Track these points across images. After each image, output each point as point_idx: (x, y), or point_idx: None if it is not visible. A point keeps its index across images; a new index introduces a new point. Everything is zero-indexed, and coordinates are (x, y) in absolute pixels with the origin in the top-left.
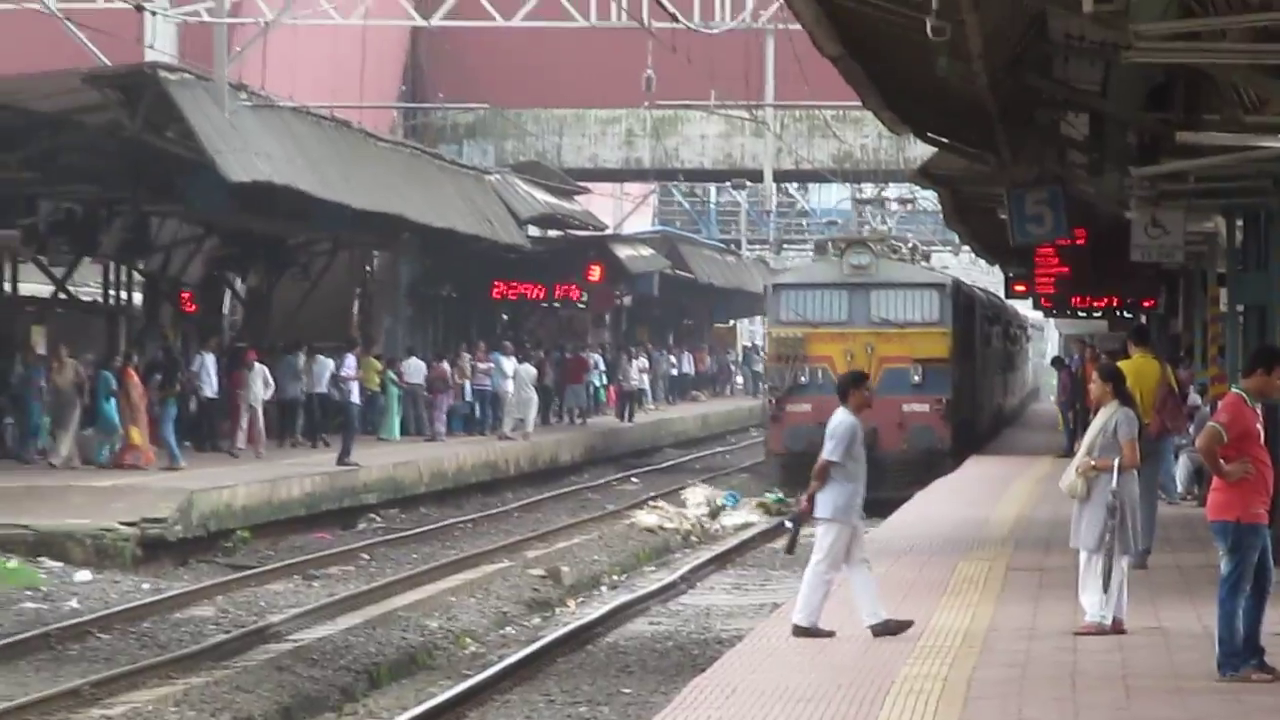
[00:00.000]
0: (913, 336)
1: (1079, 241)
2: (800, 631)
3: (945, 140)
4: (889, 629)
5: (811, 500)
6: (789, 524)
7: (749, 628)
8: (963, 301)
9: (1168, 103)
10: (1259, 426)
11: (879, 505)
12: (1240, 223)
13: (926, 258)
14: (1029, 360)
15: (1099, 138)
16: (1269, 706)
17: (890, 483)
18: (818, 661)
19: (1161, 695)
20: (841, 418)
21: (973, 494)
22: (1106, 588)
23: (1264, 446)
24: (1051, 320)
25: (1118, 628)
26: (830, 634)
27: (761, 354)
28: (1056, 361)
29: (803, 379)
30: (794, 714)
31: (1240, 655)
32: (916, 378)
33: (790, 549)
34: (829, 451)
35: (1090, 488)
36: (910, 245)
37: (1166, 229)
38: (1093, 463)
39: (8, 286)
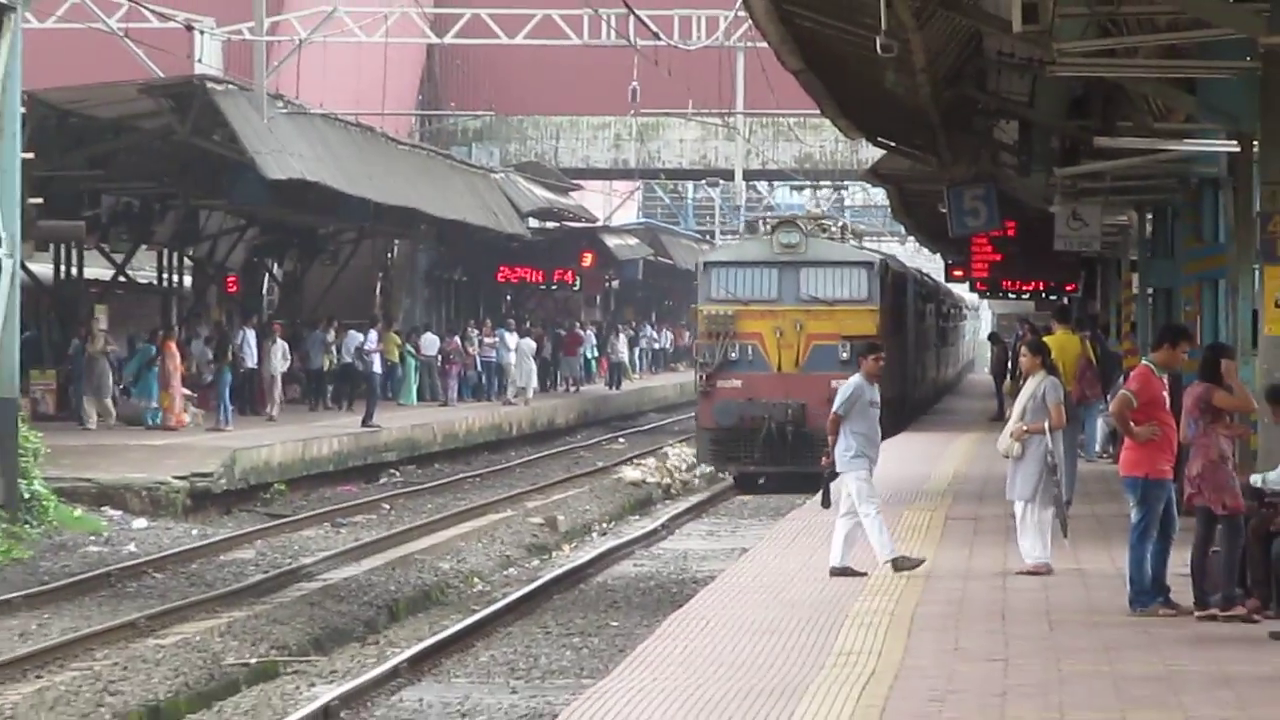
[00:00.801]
0: (841, 314)
1: (1009, 232)
2: (896, 566)
3: (893, 144)
4: (846, 573)
5: (831, 456)
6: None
7: (721, 569)
8: (892, 280)
9: (1087, 111)
10: (1165, 394)
11: (811, 480)
12: (1150, 216)
13: (858, 237)
14: (965, 336)
15: (1027, 142)
16: (1173, 637)
17: (818, 457)
18: (780, 598)
19: (1080, 628)
20: (851, 380)
21: (916, 454)
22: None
23: (1169, 412)
24: (986, 301)
25: (1034, 568)
26: (862, 573)
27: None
28: (991, 337)
29: (733, 355)
30: (761, 644)
31: (1149, 593)
32: (844, 354)
33: (825, 503)
34: (835, 407)
35: (1024, 448)
36: (840, 224)
37: (1085, 221)
38: (1025, 427)
39: (74, 270)
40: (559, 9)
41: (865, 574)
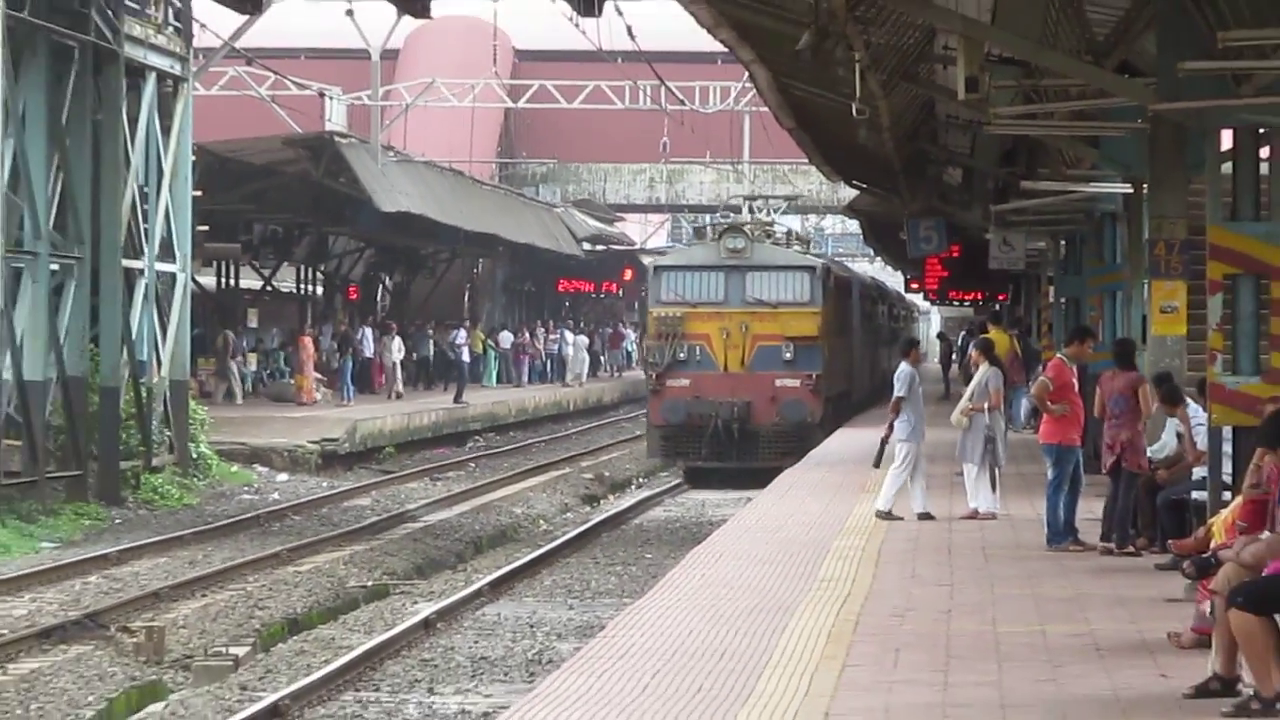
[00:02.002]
0: (785, 316)
1: (954, 254)
2: (881, 515)
3: (864, 185)
4: (889, 516)
5: (891, 427)
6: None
7: (731, 514)
8: (836, 283)
9: (1015, 160)
10: (1074, 380)
11: (754, 475)
12: (1063, 242)
13: (803, 243)
14: (919, 334)
15: (968, 185)
16: (1080, 568)
17: (763, 453)
18: (777, 537)
19: (1009, 560)
20: (903, 368)
21: (879, 426)
22: (995, 488)
23: (1078, 394)
24: (935, 307)
25: (981, 515)
26: (900, 518)
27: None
28: (939, 335)
29: (681, 356)
30: (763, 571)
31: (1061, 534)
32: (788, 355)
33: (877, 463)
34: (897, 391)
35: (971, 422)
36: (785, 230)
37: (1013, 246)
38: (972, 406)
39: (232, 282)
40: (607, 80)
41: (902, 518)
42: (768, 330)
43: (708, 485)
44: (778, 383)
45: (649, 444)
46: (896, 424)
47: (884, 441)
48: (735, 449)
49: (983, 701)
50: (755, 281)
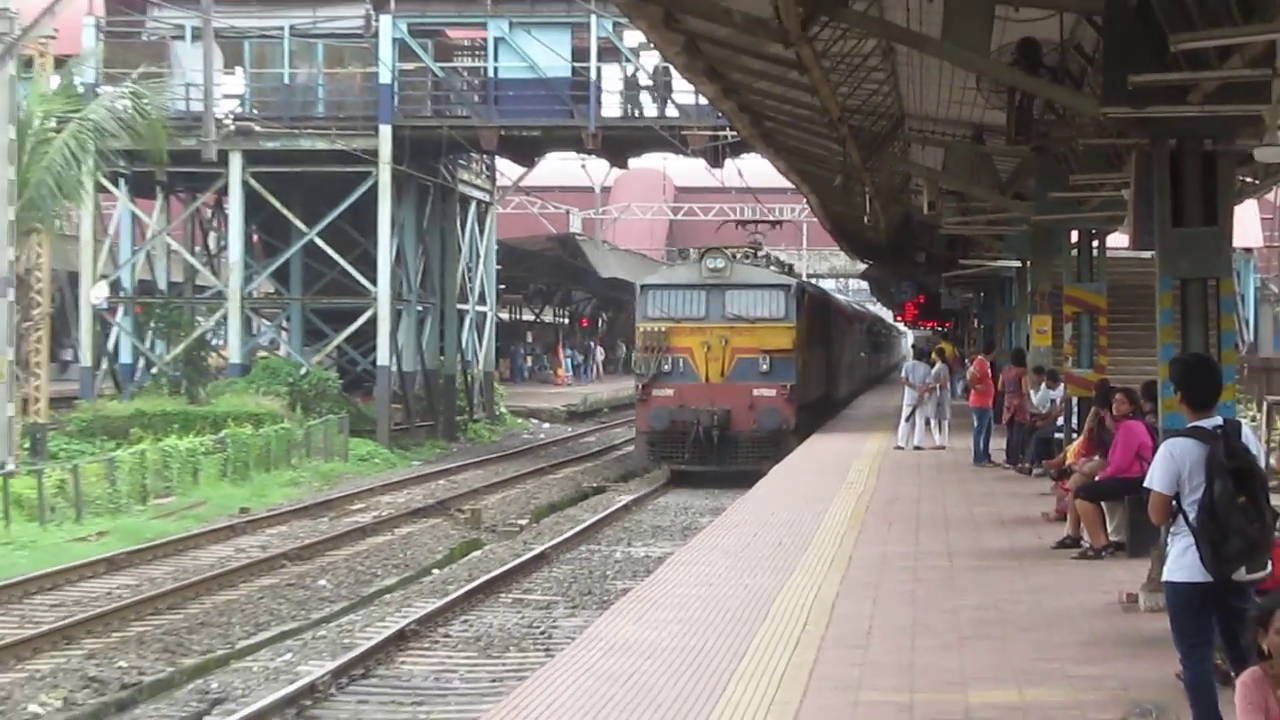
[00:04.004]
0: (762, 330)
1: (921, 300)
2: (899, 448)
3: (870, 262)
4: (907, 448)
5: (924, 399)
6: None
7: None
8: (810, 301)
9: (956, 248)
10: (988, 371)
11: (733, 477)
12: (983, 293)
13: (781, 265)
14: (898, 347)
15: (930, 261)
16: (990, 476)
17: (742, 457)
18: (791, 492)
19: (951, 472)
20: (920, 366)
21: (872, 406)
22: (945, 432)
23: (989, 380)
24: (910, 330)
25: (938, 446)
26: (901, 449)
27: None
28: (913, 347)
29: (666, 367)
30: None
31: (981, 457)
32: (765, 366)
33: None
34: (930, 379)
35: (930, 396)
36: (763, 253)
37: (955, 296)
38: (928, 385)
39: (517, 316)
40: (728, 203)
41: (902, 448)
42: (746, 343)
43: (691, 486)
44: (755, 392)
45: (636, 449)
46: (933, 399)
47: (910, 414)
48: (716, 453)
49: (938, 550)
50: (734, 299)
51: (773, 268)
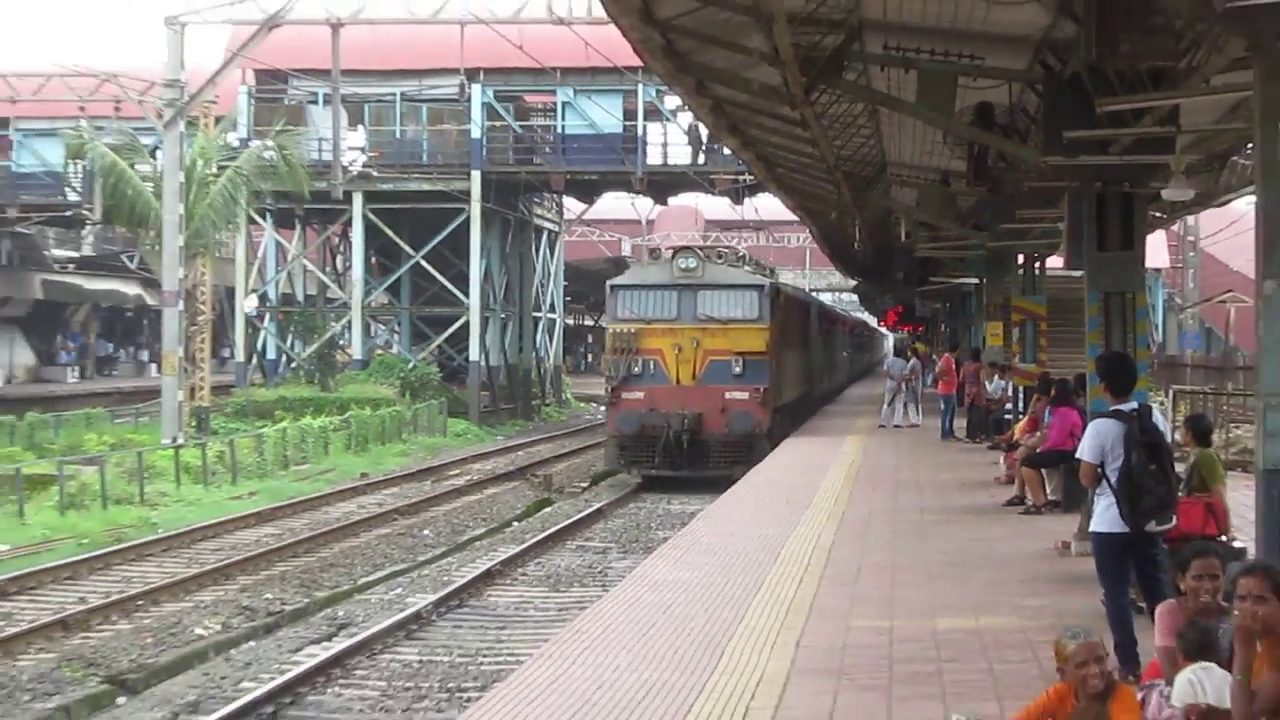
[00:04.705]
0: (735, 331)
1: (900, 310)
2: (882, 426)
3: (860, 279)
4: (889, 427)
5: (904, 388)
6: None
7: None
8: (785, 302)
9: (928, 267)
10: (952, 366)
11: (704, 483)
12: (949, 304)
13: (772, 271)
14: (881, 346)
15: (907, 278)
16: (955, 448)
17: (714, 461)
18: (788, 466)
19: (924, 443)
20: (900, 362)
21: (858, 394)
22: (918, 413)
23: (954, 373)
24: (891, 333)
25: (913, 424)
26: (883, 427)
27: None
28: (893, 348)
29: (636, 370)
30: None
31: (946, 433)
32: (737, 369)
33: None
34: (905, 370)
35: (907, 385)
36: (738, 255)
37: (926, 306)
38: (905, 375)
39: (576, 322)
40: (747, 232)
41: (884, 426)
42: (718, 345)
43: (662, 491)
44: (727, 395)
45: (606, 453)
46: (909, 390)
47: (892, 398)
48: (687, 458)
49: (913, 507)
50: (706, 299)
51: (746, 268)
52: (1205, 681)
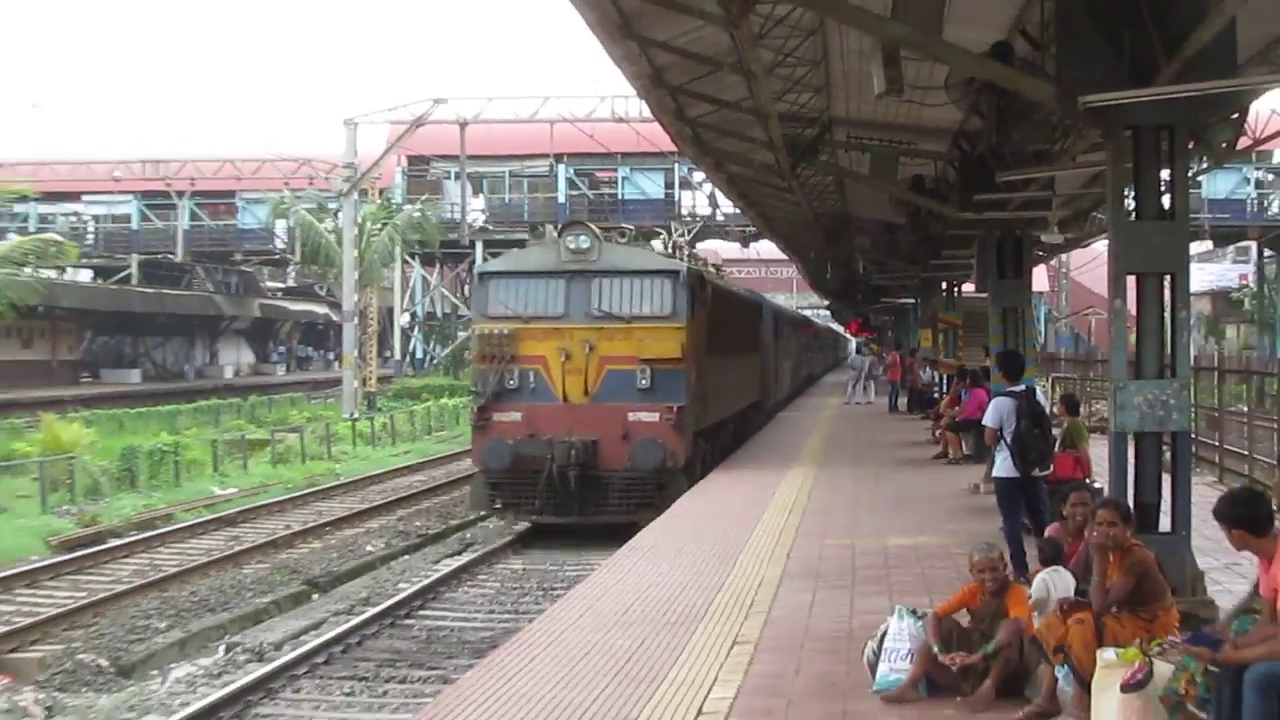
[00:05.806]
0: (640, 332)
1: (860, 321)
2: (845, 404)
3: (831, 298)
4: (860, 405)
5: (862, 377)
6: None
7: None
8: (714, 294)
9: (880, 291)
10: (899, 363)
11: (602, 532)
12: (893, 317)
13: (678, 249)
14: (844, 348)
15: (864, 299)
16: (898, 419)
17: (613, 505)
18: (771, 445)
19: (875, 417)
20: (861, 359)
21: (825, 386)
22: (872, 393)
23: (899, 365)
24: (853, 337)
25: (868, 402)
26: (847, 404)
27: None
28: (856, 348)
29: (511, 383)
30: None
31: (891, 408)
32: (644, 381)
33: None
34: (867, 370)
35: (865, 375)
36: (654, 235)
37: (879, 318)
38: (863, 368)
39: None
40: (752, 265)
41: (848, 404)
42: (619, 351)
43: (548, 546)
44: (631, 417)
45: (471, 494)
46: (851, 373)
47: (854, 384)
48: (578, 500)
49: (869, 461)
50: (603, 290)
51: (657, 245)
52: (1055, 581)
